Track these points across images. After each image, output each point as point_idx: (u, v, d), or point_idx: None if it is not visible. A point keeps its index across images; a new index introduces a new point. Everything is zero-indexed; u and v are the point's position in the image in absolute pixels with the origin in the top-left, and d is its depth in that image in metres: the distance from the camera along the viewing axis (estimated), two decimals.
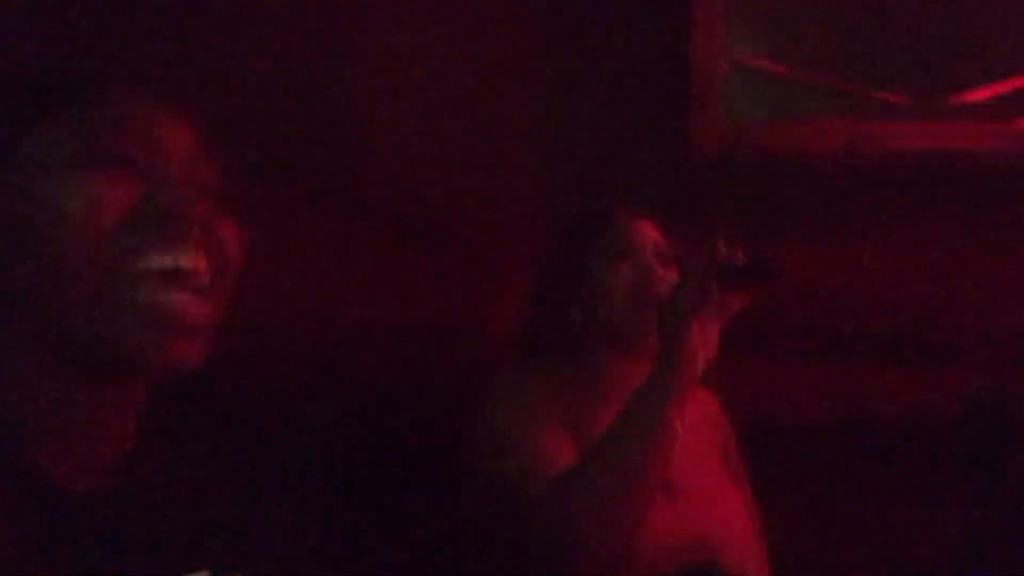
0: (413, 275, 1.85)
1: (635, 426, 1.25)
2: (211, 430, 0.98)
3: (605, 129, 1.96)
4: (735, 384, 1.41)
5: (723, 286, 1.27)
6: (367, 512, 1.71)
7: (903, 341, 1.82)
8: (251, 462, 1.01)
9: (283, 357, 1.71)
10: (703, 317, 1.27)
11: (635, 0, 1.95)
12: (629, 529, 1.24)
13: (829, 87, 2.14)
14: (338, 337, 1.77)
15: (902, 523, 1.75)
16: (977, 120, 2.07)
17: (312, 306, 1.75)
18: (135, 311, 0.72)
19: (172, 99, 0.85)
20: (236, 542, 0.85)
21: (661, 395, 1.25)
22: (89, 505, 0.75)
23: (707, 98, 1.92)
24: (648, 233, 1.47)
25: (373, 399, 1.78)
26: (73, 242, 0.72)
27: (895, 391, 1.81)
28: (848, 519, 1.78)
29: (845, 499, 1.78)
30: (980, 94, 2.17)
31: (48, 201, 0.73)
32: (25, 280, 0.73)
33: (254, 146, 1.77)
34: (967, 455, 1.60)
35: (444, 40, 1.92)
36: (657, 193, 1.91)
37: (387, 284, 1.82)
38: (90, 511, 0.75)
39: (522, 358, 1.51)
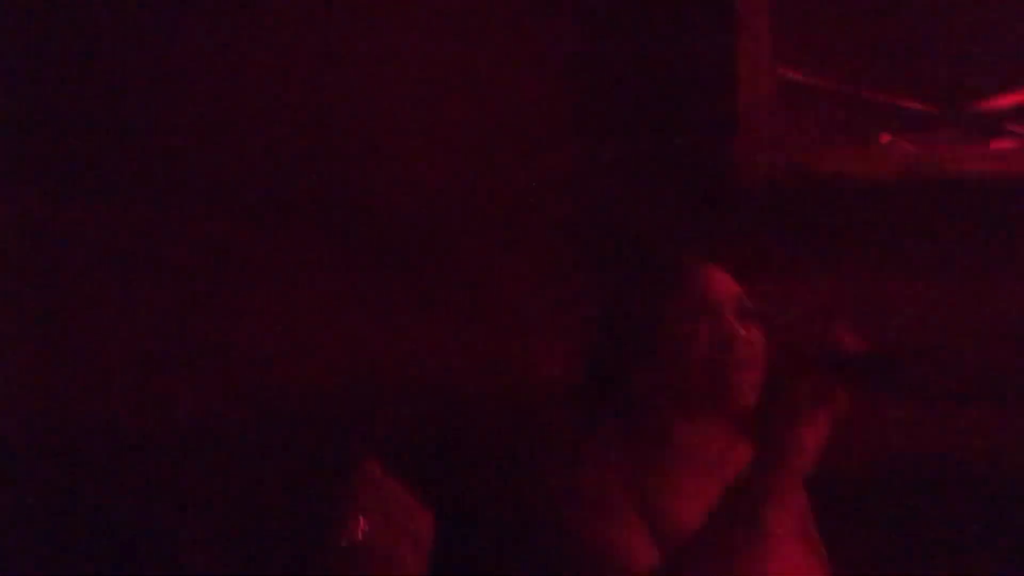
0: (432, 315, 1.76)
1: (731, 530, 1.16)
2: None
3: (641, 152, 1.85)
4: None
5: (842, 381, 1.15)
6: None
7: (978, 375, 1.75)
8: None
9: (294, 398, 1.66)
10: (816, 414, 1.15)
11: (677, 16, 1.80)
12: None
13: (860, 98, 2.07)
14: (350, 379, 1.69)
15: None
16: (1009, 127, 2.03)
17: (333, 358, 1.69)
18: None
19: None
20: None
21: (764, 494, 1.15)
22: None
23: (753, 118, 1.80)
24: (726, 285, 1.38)
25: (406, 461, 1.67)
26: None
27: (976, 429, 1.74)
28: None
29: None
30: (1007, 100, 2.14)
31: None
32: None
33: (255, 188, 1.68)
34: None
35: (464, 55, 1.81)
36: (702, 224, 1.81)
37: (401, 336, 1.73)
38: None
39: (581, 429, 1.42)
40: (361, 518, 0.90)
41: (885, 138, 1.95)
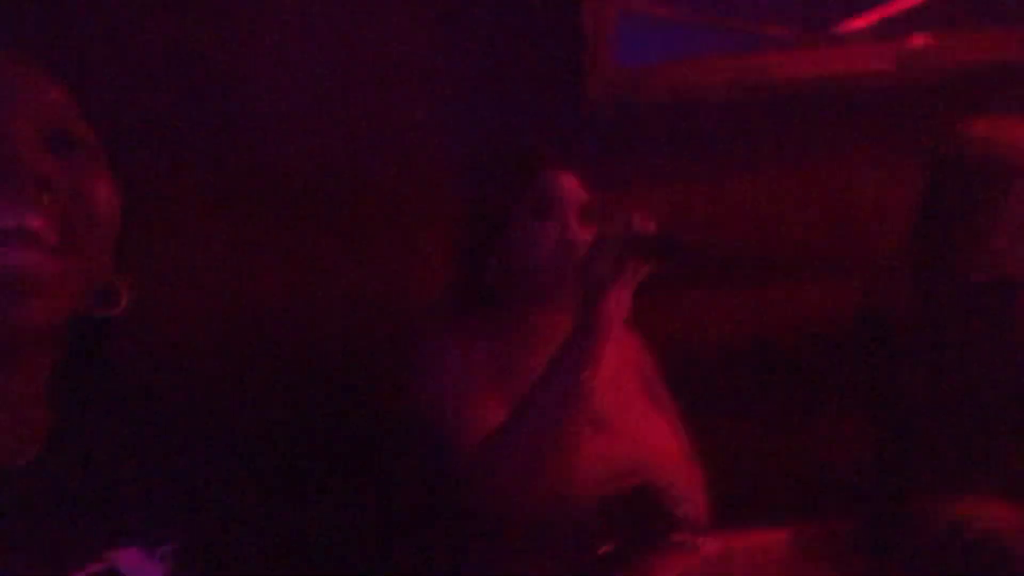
0: (327, 248, 1.85)
1: (555, 388, 1.31)
2: (133, 411, 0.98)
3: (500, 80, 1.97)
4: (646, 313, 1.42)
5: (634, 256, 1.32)
6: (294, 488, 1.70)
7: (799, 263, 1.88)
8: (176, 443, 1.01)
9: (205, 339, 1.73)
10: (615, 283, 1.32)
11: None
12: (553, 478, 1.31)
13: (715, 26, 2.17)
14: (258, 316, 1.78)
15: (812, 435, 1.82)
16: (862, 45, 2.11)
17: (229, 285, 1.76)
18: None
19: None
20: (161, 518, 0.85)
21: (578, 358, 1.31)
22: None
23: (598, 44, 1.93)
24: (572, 189, 1.49)
25: (296, 377, 1.78)
26: None
27: (795, 310, 1.87)
28: (762, 436, 1.82)
29: (757, 417, 1.84)
30: (862, 22, 2.22)
31: None
32: None
33: (172, 140, 1.77)
34: (860, 365, 1.64)
35: (345, 11, 1.90)
36: (552, 141, 1.93)
37: (303, 260, 1.83)
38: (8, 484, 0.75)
39: (445, 316, 1.54)
40: None
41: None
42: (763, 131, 1.94)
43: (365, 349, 1.77)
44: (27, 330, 0.74)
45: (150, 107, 1.80)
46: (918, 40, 2.06)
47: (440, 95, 1.93)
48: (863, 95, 1.93)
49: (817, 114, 1.91)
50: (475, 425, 1.34)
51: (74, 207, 0.75)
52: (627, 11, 2.02)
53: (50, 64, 0.82)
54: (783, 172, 1.90)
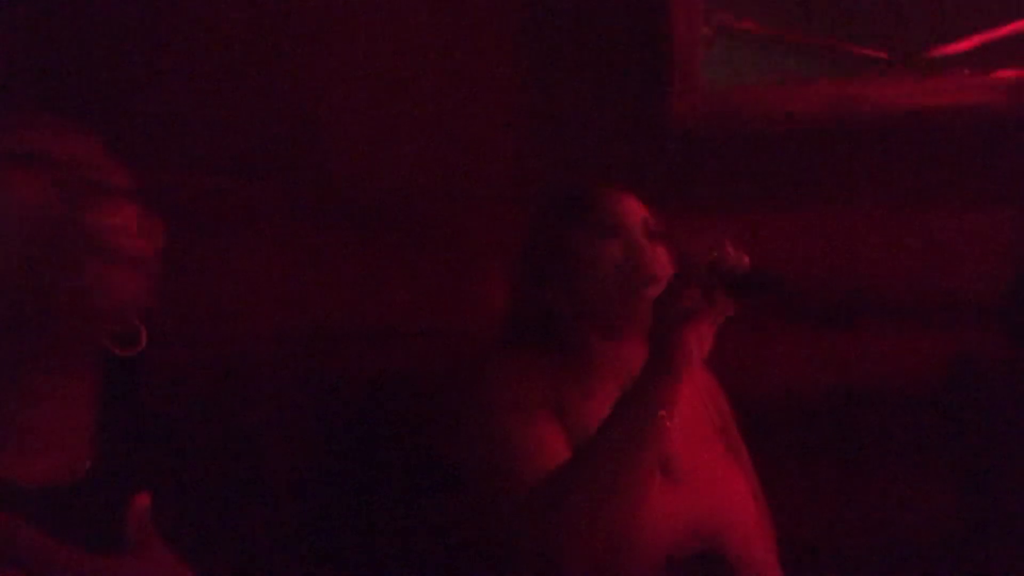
0: (391, 273, 1.80)
1: (626, 428, 1.21)
2: (188, 429, 0.99)
3: (583, 102, 1.92)
4: (725, 356, 1.35)
5: (724, 291, 1.22)
6: (348, 517, 1.67)
7: (887, 306, 1.80)
8: (231, 464, 1.01)
9: (261, 360, 1.66)
10: (700, 317, 1.23)
11: None
12: (618, 531, 1.21)
13: (811, 46, 2.12)
14: (316, 340, 1.71)
15: (899, 493, 1.74)
16: (958, 74, 2.05)
17: (287, 305, 1.70)
18: None
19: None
20: (212, 540, 0.88)
21: (652, 395, 1.21)
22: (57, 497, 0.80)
23: (688, 64, 1.88)
24: (635, 209, 1.43)
25: (353, 403, 1.72)
26: None
27: (881, 356, 1.79)
28: (848, 491, 1.77)
29: (844, 471, 1.77)
30: (959, 47, 2.17)
31: None
32: None
33: (220, 147, 1.76)
34: (953, 420, 1.58)
35: (413, 19, 1.86)
36: (639, 166, 1.89)
37: (363, 282, 1.77)
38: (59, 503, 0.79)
39: (503, 345, 1.45)
40: None
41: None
42: (854, 162, 1.87)
43: (423, 377, 1.72)
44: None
45: (219, 122, 1.76)
46: (1012, 73, 1.99)
47: (521, 116, 1.89)
48: (961, 129, 1.87)
49: (913, 146, 1.84)
50: (535, 461, 1.25)
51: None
52: (720, 28, 1.97)
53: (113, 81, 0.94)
54: (874, 208, 1.83)
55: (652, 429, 1.20)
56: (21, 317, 0.83)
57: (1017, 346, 1.54)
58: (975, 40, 2.14)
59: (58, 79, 1.59)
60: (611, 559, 1.22)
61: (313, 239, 1.71)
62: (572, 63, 1.91)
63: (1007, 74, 1.97)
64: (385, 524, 1.63)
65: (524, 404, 1.31)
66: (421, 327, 1.76)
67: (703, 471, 1.36)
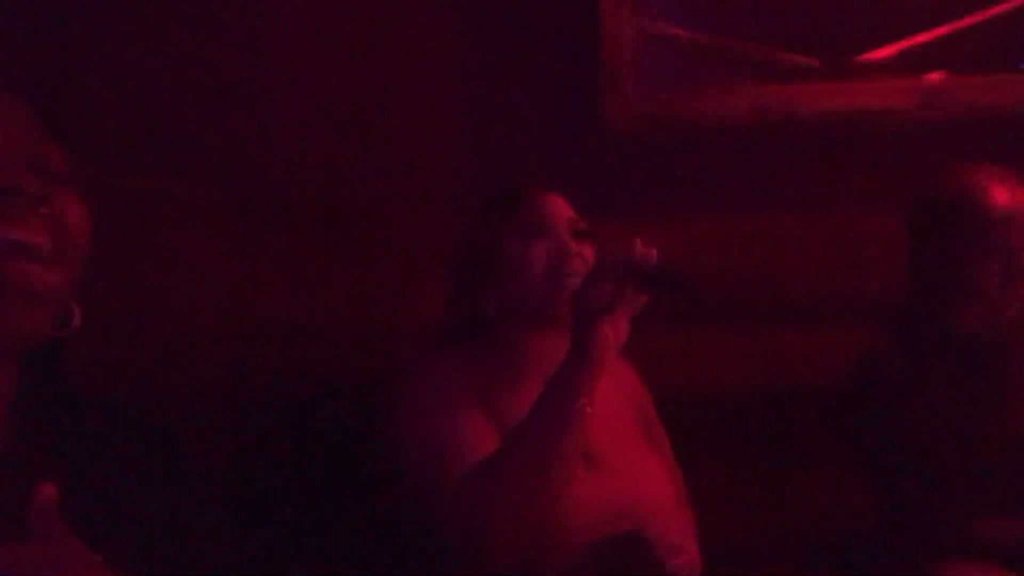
0: (326, 273, 1.81)
1: (548, 417, 1.25)
2: (108, 421, 0.99)
3: (516, 106, 1.97)
4: (650, 352, 1.41)
5: (636, 285, 1.27)
6: (287, 514, 1.69)
7: (806, 307, 1.86)
8: (172, 462, 1.01)
9: (202, 356, 1.67)
10: (614, 310, 1.28)
11: None
12: (544, 518, 1.24)
13: (741, 51, 2.17)
14: (250, 337, 1.72)
15: (807, 485, 1.80)
16: (882, 78, 2.11)
17: (232, 309, 1.71)
18: None
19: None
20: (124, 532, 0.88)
21: (572, 385, 1.25)
22: None
23: (618, 68, 1.92)
24: (561, 209, 1.46)
25: (286, 399, 1.73)
26: None
27: (799, 355, 1.84)
28: (756, 483, 1.82)
29: (753, 463, 1.82)
30: (884, 52, 2.22)
31: None
32: None
33: (173, 151, 1.77)
34: (854, 417, 1.62)
35: (348, 29, 1.88)
36: (571, 169, 1.93)
37: (302, 283, 1.79)
38: None
39: (435, 344, 1.48)
40: None
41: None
42: (779, 165, 1.93)
43: (357, 374, 1.73)
44: (25, 337, 0.82)
45: (156, 120, 1.78)
46: (936, 77, 2.05)
47: (455, 120, 1.93)
48: (883, 134, 1.92)
49: (835, 151, 1.90)
50: (464, 455, 1.27)
51: (58, 227, 0.84)
52: (649, 34, 2.01)
53: (55, 76, 0.91)
54: (796, 211, 1.88)
55: (573, 416, 1.24)
56: None
57: (909, 346, 1.58)
58: (897, 46, 2.19)
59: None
60: (538, 544, 1.24)
61: (249, 238, 1.73)
62: (506, 68, 1.96)
63: (929, 78, 2.03)
64: (316, 520, 1.65)
65: (455, 401, 1.34)
66: (355, 326, 1.77)
67: (622, 458, 1.40)
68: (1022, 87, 1.94)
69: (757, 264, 1.86)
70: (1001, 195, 1.53)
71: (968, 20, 2.11)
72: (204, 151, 1.77)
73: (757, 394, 1.84)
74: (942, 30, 2.13)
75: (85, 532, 0.82)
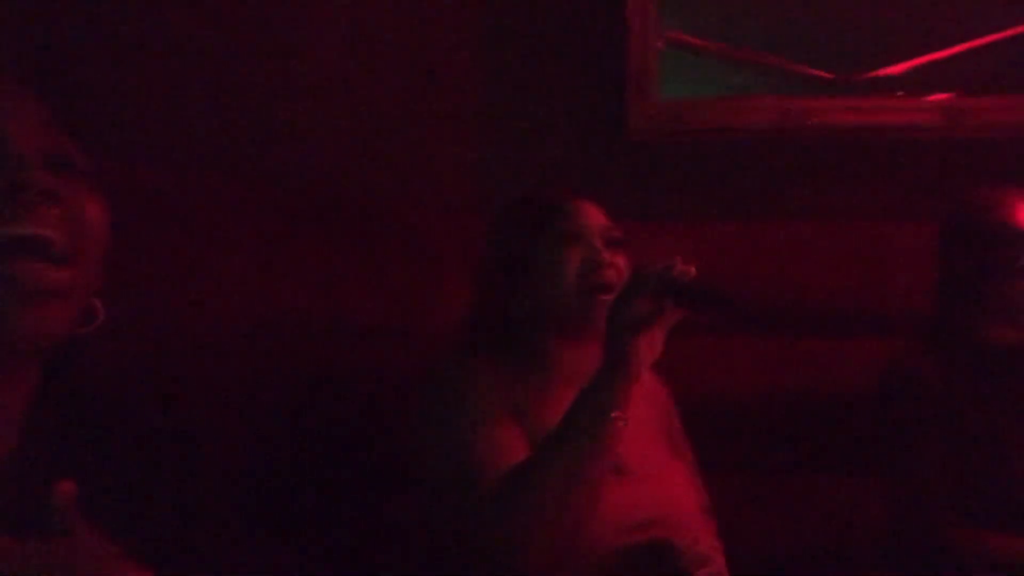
0: (353, 272, 1.81)
1: (582, 428, 1.26)
2: (127, 418, 0.98)
3: (543, 113, 1.98)
4: (676, 361, 1.40)
5: (674, 301, 1.29)
6: (305, 516, 1.68)
7: (828, 317, 1.89)
8: (186, 459, 1.01)
9: (221, 353, 1.65)
10: (650, 324, 1.29)
11: None
12: (575, 527, 1.26)
13: (758, 63, 2.20)
14: (276, 338, 1.72)
15: (838, 497, 1.82)
16: (895, 94, 2.16)
17: (255, 307, 1.70)
18: None
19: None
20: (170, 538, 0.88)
21: (607, 397, 1.27)
22: None
23: (643, 77, 1.95)
24: (596, 217, 1.47)
25: (312, 400, 1.73)
26: None
27: (822, 365, 1.87)
28: (791, 489, 1.84)
29: (784, 470, 1.85)
30: (896, 69, 2.27)
31: None
32: None
33: (197, 147, 1.76)
34: (884, 428, 1.66)
35: (374, 31, 1.91)
36: (596, 175, 1.96)
37: (324, 282, 1.78)
38: None
39: (464, 348, 1.48)
40: None
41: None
42: (797, 175, 1.97)
43: (383, 374, 1.74)
44: (42, 339, 0.79)
45: (182, 118, 1.78)
46: (946, 96, 2.10)
47: (480, 124, 1.94)
48: (898, 148, 1.97)
49: (852, 163, 1.94)
50: (495, 461, 1.28)
51: (73, 223, 0.80)
52: (672, 44, 2.04)
53: (74, 71, 0.88)
54: (815, 218, 1.92)
55: (606, 429, 1.25)
56: None
57: (940, 358, 1.62)
58: (909, 63, 2.24)
59: (24, 76, 1.60)
60: (568, 551, 1.26)
61: (272, 236, 1.72)
62: (533, 75, 1.98)
63: (940, 96, 2.07)
64: (341, 522, 1.64)
65: (484, 407, 1.35)
66: (381, 325, 1.78)
67: (651, 467, 1.42)
68: None
69: (777, 272, 1.89)
70: (1017, 213, 1.58)
71: (980, 41, 2.16)
72: (228, 149, 1.80)
73: (775, 402, 1.86)
74: (954, 49, 2.18)
75: (103, 528, 0.80)
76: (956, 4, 2.12)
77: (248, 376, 1.65)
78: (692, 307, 1.29)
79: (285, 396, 1.68)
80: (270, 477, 1.61)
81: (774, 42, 2.22)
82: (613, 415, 1.26)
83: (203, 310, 1.61)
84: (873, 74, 2.25)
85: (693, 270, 1.27)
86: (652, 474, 1.41)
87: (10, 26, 1.60)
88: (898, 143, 1.98)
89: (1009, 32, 2.16)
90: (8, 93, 0.83)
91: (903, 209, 1.92)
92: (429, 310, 1.82)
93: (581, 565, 1.29)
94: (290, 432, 1.67)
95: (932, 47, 2.22)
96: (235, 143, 1.81)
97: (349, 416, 1.72)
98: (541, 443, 1.29)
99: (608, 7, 1.97)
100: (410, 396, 1.43)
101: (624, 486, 1.35)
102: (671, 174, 1.97)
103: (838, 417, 1.81)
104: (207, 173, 1.72)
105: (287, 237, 1.73)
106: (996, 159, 1.91)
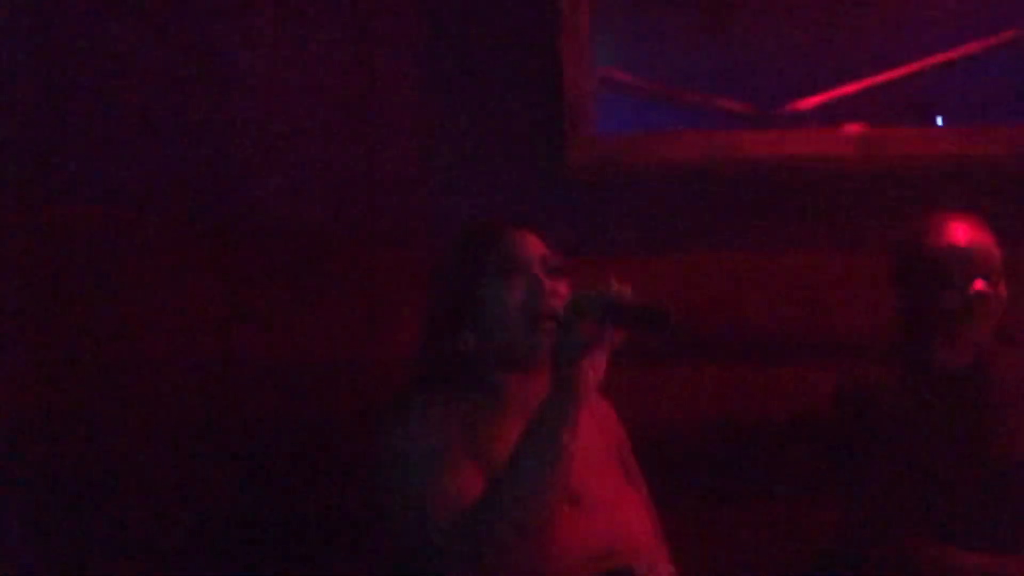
0: (303, 307, 1.80)
1: (534, 456, 1.28)
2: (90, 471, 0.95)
3: (486, 150, 2.01)
4: (617, 391, 1.45)
5: (612, 322, 1.32)
6: (259, 551, 1.64)
7: (768, 343, 1.95)
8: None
9: (170, 397, 1.62)
10: (593, 347, 1.32)
11: (505, 19, 1.99)
12: (535, 555, 1.27)
13: (678, 98, 2.28)
14: (224, 377, 1.69)
15: (790, 521, 1.88)
16: (811, 127, 2.26)
17: (196, 342, 1.66)
18: None
19: None
20: None
21: (557, 422, 1.29)
22: None
23: (579, 113, 1.99)
24: (534, 246, 1.48)
25: (261, 439, 1.70)
26: None
27: (764, 391, 1.94)
28: (736, 515, 1.89)
29: (732, 496, 1.90)
30: (810, 102, 2.38)
31: None
32: None
33: (140, 183, 1.71)
34: (837, 447, 1.72)
35: (327, 67, 1.89)
36: (533, 209, 1.97)
37: (272, 319, 1.76)
38: None
39: (416, 384, 1.48)
40: None
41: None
42: (732, 208, 2.03)
43: (333, 410, 1.74)
44: None
45: (124, 153, 1.71)
46: (857, 127, 2.21)
47: (422, 160, 1.95)
48: (820, 180, 2.05)
49: (782, 194, 2.02)
50: (452, 501, 1.29)
51: None
52: (602, 80, 2.10)
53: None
54: (750, 251, 1.99)
55: (556, 452, 1.27)
56: None
57: (898, 381, 1.68)
58: (823, 97, 2.36)
59: None
60: None
61: (216, 272, 1.69)
62: (475, 115, 1.99)
63: (853, 128, 2.18)
64: (292, 556, 1.63)
65: (439, 445, 1.35)
66: (332, 361, 1.77)
67: (606, 494, 1.43)
68: (941, 140, 2.11)
69: (714, 302, 1.95)
70: (951, 234, 1.67)
71: (888, 75, 2.29)
72: (171, 183, 1.72)
73: (718, 427, 1.91)
74: (865, 83, 2.31)
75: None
76: (867, 39, 2.23)
77: (188, 413, 1.61)
78: (631, 325, 1.32)
79: (229, 437, 1.64)
80: (209, 517, 1.57)
81: (695, 77, 2.31)
82: (562, 438, 1.28)
83: (143, 350, 1.57)
84: (788, 108, 2.36)
85: (629, 289, 1.31)
86: (607, 500, 1.42)
87: None
88: (817, 174, 2.05)
89: (913, 67, 2.30)
90: None
91: (830, 238, 2.00)
92: (382, 343, 1.81)
93: None
94: (230, 470, 1.63)
95: (844, 81, 2.35)
96: (178, 178, 1.75)
97: (298, 449, 1.70)
98: (495, 476, 1.30)
99: (543, 42, 2.00)
100: (361, 434, 1.43)
101: (581, 517, 1.36)
102: (608, 209, 2.00)
103: (776, 443, 1.87)
104: (147, 208, 1.65)
105: (230, 273, 1.70)
106: (910, 188, 2.00)
